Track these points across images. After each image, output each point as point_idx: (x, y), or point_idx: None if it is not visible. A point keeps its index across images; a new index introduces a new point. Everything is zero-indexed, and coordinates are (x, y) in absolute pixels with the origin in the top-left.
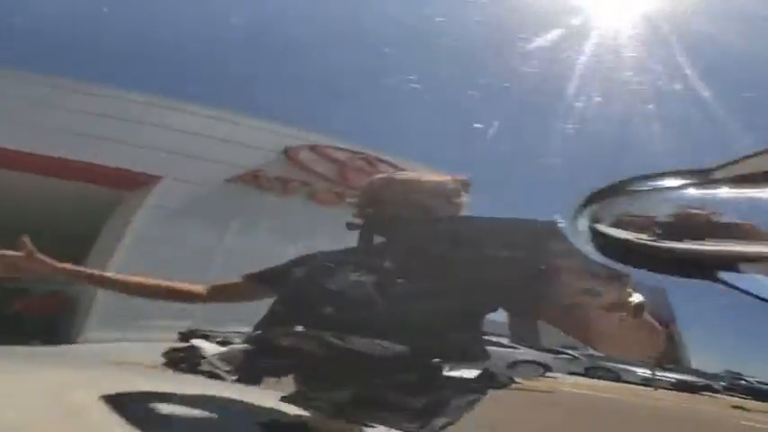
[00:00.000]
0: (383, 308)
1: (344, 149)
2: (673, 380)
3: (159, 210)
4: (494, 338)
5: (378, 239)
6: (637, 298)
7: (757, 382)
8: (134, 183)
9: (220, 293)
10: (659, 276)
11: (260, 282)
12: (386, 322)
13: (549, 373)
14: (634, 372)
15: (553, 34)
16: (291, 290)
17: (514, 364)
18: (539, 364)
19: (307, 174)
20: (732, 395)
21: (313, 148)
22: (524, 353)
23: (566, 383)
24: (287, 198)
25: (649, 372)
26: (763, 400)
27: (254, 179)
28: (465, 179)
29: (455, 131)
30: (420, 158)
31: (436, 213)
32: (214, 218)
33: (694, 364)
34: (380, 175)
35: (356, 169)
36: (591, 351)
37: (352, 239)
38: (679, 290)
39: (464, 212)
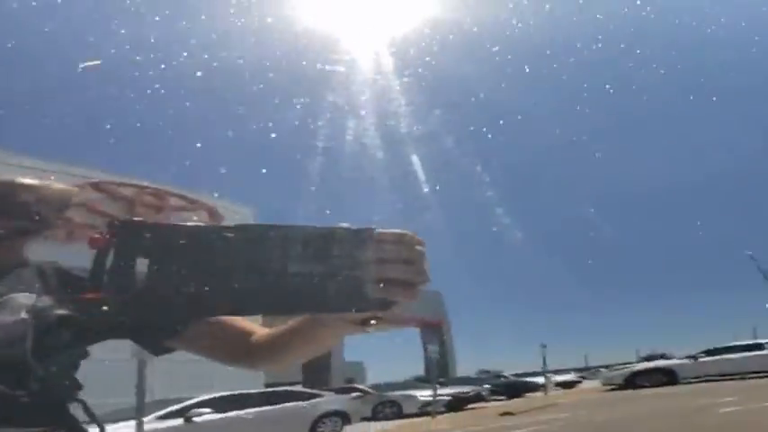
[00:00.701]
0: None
1: (131, 184)
2: (448, 397)
3: None
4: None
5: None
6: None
7: (513, 376)
8: None
9: None
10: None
11: None
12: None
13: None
14: (414, 397)
15: None
16: None
17: (320, 420)
18: (339, 414)
19: (92, 214)
20: (496, 399)
21: (96, 186)
22: (326, 401)
23: None
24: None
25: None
26: (518, 396)
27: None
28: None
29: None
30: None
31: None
32: None
33: (459, 366)
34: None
35: (146, 205)
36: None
37: None
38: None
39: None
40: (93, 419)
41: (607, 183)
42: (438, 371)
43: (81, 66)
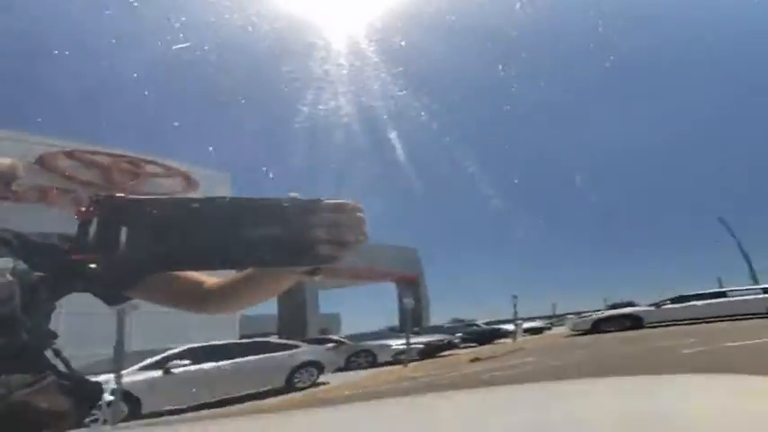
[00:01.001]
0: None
1: (105, 153)
2: (421, 346)
3: None
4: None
5: None
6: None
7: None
8: None
9: None
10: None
11: None
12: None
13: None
14: (388, 346)
15: None
16: None
17: (297, 370)
18: (314, 364)
19: (68, 181)
20: (468, 346)
21: (70, 154)
22: (302, 352)
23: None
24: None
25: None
26: (489, 342)
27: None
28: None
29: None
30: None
31: None
32: None
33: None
34: None
35: (122, 171)
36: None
37: None
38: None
39: None
40: (68, 366)
41: (582, 138)
42: (412, 321)
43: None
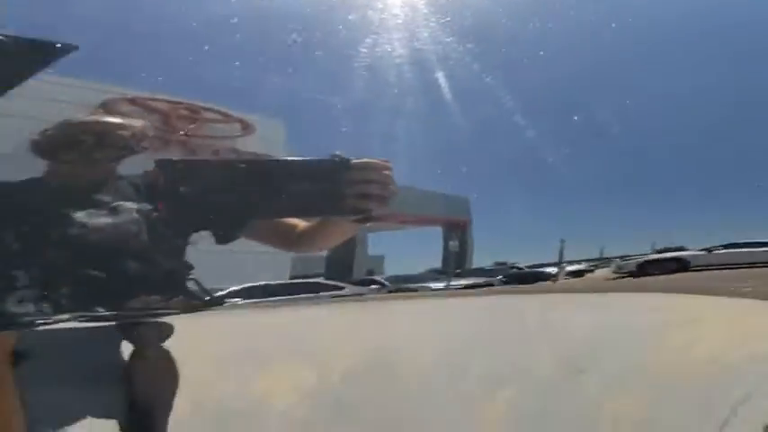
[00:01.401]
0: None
1: (165, 100)
2: (460, 287)
3: None
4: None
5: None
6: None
7: (527, 267)
8: None
9: None
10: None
11: None
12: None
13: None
14: (428, 288)
15: None
16: None
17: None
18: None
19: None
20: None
21: (132, 101)
22: (345, 293)
23: None
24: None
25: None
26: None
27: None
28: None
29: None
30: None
31: None
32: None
33: (476, 259)
34: None
35: (180, 117)
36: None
37: None
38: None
39: None
40: (206, 293)
41: (627, 77)
42: (455, 264)
43: None
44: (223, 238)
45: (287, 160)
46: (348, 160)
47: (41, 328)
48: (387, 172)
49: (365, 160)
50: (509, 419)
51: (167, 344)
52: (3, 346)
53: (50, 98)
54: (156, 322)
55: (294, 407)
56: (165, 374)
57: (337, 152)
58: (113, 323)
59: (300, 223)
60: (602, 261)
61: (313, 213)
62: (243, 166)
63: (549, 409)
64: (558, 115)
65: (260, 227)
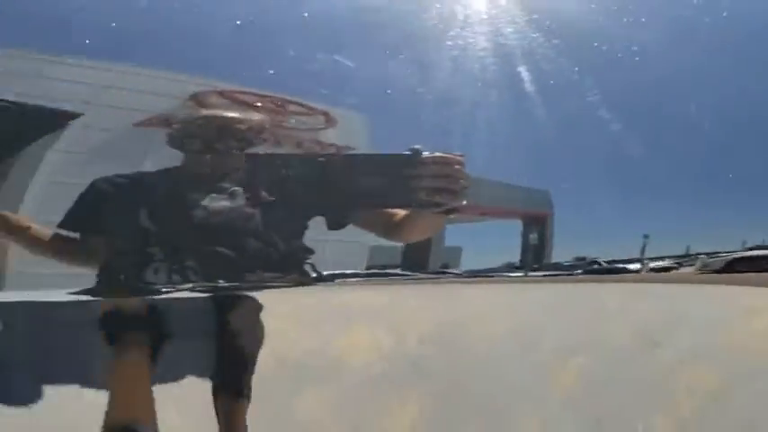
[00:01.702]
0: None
1: (252, 93)
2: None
3: (70, 155)
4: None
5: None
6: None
7: (607, 263)
8: (46, 127)
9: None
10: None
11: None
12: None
13: None
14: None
15: None
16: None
17: None
18: None
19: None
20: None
21: (222, 93)
22: None
23: None
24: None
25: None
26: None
27: (164, 122)
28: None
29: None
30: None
31: None
32: (125, 159)
33: (555, 253)
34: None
35: (267, 110)
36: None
37: None
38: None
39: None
40: (321, 278)
41: (716, 73)
42: (533, 258)
43: None
44: (335, 224)
45: (363, 154)
46: (419, 154)
47: (169, 295)
48: (458, 166)
49: (437, 154)
50: (581, 388)
51: (266, 314)
52: (141, 348)
53: (143, 89)
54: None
55: (372, 366)
56: (259, 340)
57: (414, 146)
58: (224, 294)
59: (397, 214)
60: (688, 258)
61: (390, 205)
62: (323, 159)
63: (622, 378)
64: (645, 110)
65: (362, 216)
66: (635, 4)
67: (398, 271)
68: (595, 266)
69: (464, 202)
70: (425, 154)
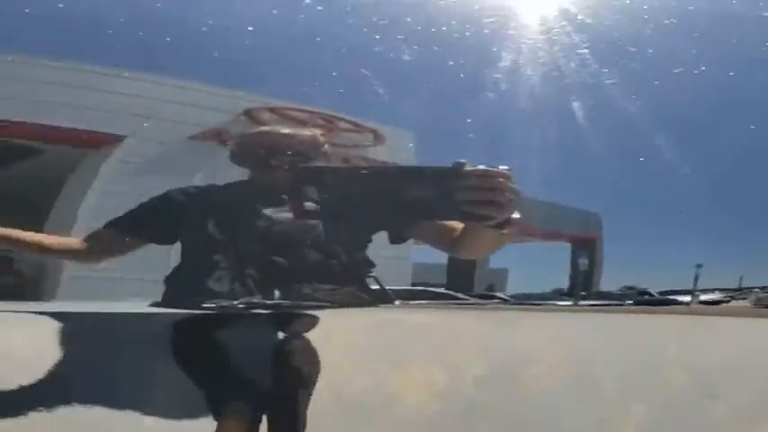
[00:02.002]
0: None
1: (303, 110)
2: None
3: (125, 165)
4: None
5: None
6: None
7: (658, 293)
8: (99, 142)
9: (96, 246)
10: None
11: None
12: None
13: None
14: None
15: None
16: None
17: None
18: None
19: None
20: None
21: (273, 110)
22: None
23: None
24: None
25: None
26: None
27: (216, 136)
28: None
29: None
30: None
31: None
32: (178, 171)
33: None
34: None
35: (317, 126)
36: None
37: None
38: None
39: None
40: (384, 293)
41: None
42: (582, 284)
43: None
44: (396, 238)
45: (412, 167)
46: (463, 166)
47: (232, 310)
48: (503, 179)
49: (481, 167)
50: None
51: (314, 334)
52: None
53: (196, 104)
54: (309, 312)
55: (424, 406)
56: (310, 363)
57: (459, 160)
58: (277, 311)
59: (456, 229)
60: (742, 291)
61: (437, 216)
62: (370, 171)
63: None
64: (703, 138)
65: (420, 229)
66: (700, 33)
67: (443, 290)
68: (646, 297)
69: (515, 216)
70: (469, 167)
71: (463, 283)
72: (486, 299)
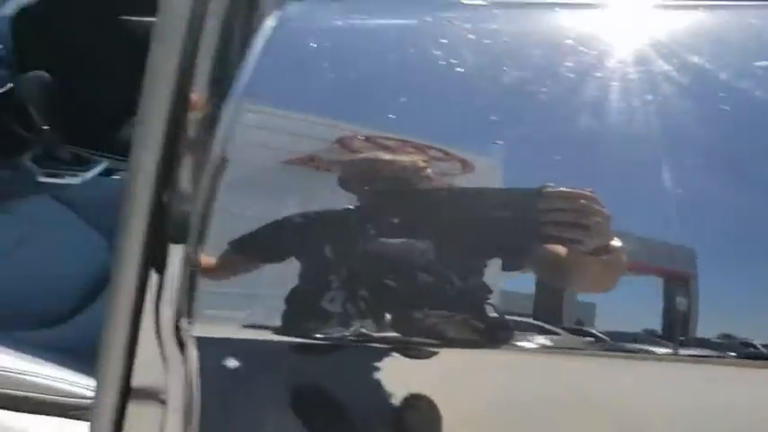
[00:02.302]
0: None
1: (394, 138)
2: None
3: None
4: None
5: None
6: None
7: (763, 346)
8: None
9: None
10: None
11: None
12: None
13: None
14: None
15: None
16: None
17: None
18: None
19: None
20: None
21: (366, 139)
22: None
23: None
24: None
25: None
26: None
27: (309, 161)
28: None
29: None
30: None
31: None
32: (273, 194)
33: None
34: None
35: (410, 154)
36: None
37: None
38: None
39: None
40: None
41: None
42: (680, 328)
43: None
44: (508, 266)
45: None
46: (545, 188)
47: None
48: (585, 201)
49: (562, 189)
50: None
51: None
52: None
53: (291, 132)
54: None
55: None
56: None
57: (549, 184)
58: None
59: (561, 255)
60: None
61: (533, 241)
62: (461, 195)
63: None
64: None
65: (531, 257)
66: None
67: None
68: (751, 350)
69: (614, 243)
70: (550, 188)
71: (550, 316)
72: (578, 334)
